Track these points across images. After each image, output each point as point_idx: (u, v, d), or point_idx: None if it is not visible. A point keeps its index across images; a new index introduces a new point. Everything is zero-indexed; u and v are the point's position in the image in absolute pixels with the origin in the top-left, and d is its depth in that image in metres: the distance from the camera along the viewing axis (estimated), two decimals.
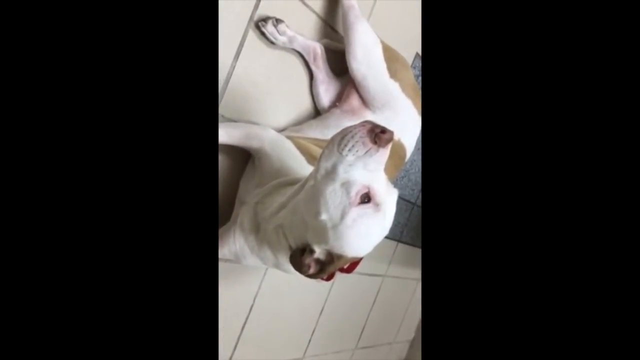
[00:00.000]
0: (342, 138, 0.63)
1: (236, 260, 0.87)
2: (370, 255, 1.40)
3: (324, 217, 0.64)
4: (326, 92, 1.05)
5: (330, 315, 1.48)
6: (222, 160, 0.93)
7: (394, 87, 0.98)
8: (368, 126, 0.62)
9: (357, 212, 0.63)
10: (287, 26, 0.94)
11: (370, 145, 0.61)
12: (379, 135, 0.61)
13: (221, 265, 0.91)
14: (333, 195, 0.63)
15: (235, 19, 0.89)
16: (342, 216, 0.63)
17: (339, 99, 1.05)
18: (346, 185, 0.63)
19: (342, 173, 0.63)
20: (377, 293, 1.74)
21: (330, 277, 1.33)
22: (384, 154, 0.62)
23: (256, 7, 0.92)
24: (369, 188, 0.62)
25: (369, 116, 1.00)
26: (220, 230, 0.89)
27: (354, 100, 1.01)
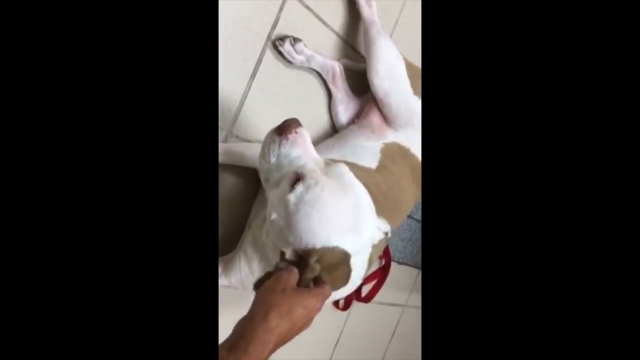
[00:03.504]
0: (262, 149, 0.69)
1: (243, 289, 0.82)
2: (389, 283, 1.35)
3: (273, 217, 0.64)
4: (345, 111, 1.02)
5: (345, 346, 1.41)
6: (235, 183, 0.90)
7: (417, 104, 0.94)
8: (272, 129, 0.68)
9: (293, 197, 0.61)
10: (305, 45, 0.93)
11: (277, 138, 0.66)
12: (279, 127, 0.66)
13: (231, 292, 0.87)
14: (275, 196, 0.65)
15: (252, 38, 0.88)
16: (285, 207, 0.62)
17: (357, 118, 1.02)
18: (280, 182, 0.64)
19: (275, 175, 0.67)
20: (397, 324, 1.66)
21: (347, 306, 1.27)
22: (296, 138, 0.66)
23: (274, 26, 0.91)
24: (295, 173, 0.62)
25: (390, 134, 0.96)
26: (227, 257, 0.85)
27: (374, 117, 0.97)
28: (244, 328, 0.52)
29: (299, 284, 0.58)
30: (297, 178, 0.62)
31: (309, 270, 0.59)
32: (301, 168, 0.64)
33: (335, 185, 0.63)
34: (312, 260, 0.60)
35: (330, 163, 0.68)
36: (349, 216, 0.62)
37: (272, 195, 0.67)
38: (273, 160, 0.67)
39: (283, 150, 0.66)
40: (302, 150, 0.66)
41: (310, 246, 0.61)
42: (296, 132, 0.66)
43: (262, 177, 0.71)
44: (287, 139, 0.66)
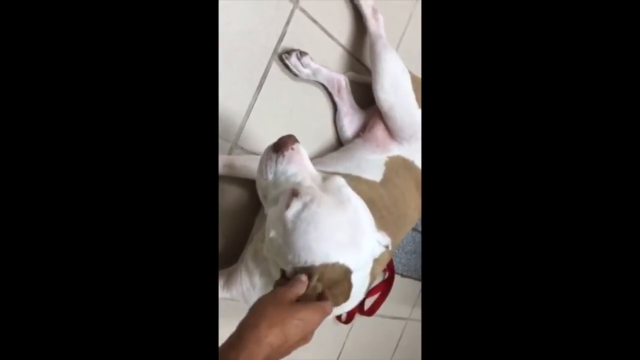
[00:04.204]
0: (260, 166, 0.69)
1: (245, 302, 0.81)
2: (392, 296, 1.34)
3: (272, 234, 0.64)
4: (350, 124, 1.03)
5: (348, 359, 1.40)
6: (239, 195, 0.91)
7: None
8: (269, 146, 0.68)
9: (291, 214, 0.61)
10: (311, 59, 0.93)
11: (274, 155, 0.66)
12: (276, 144, 0.67)
13: (233, 305, 0.86)
14: (273, 214, 0.65)
15: (259, 51, 0.89)
16: (283, 225, 0.61)
17: (362, 131, 1.02)
18: (278, 199, 0.65)
19: (273, 193, 0.67)
20: (400, 338, 1.64)
21: (349, 319, 1.26)
22: (293, 155, 0.66)
23: (281, 39, 0.91)
24: (292, 190, 0.62)
25: (395, 148, 0.96)
26: (230, 270, 0.84)
27: (378, 131, 0.97)
28: (234, 339, 0.51)
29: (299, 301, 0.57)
30: (294, 195, 0.61)
31: (311, 289, 0.59)
32: (298, 185, 0.64)
33: (332, 201, 0.63)
34: (314, 279, 0.59)
35: (327, 177, 0.68)
36: (347, 231, 0.62)
37: (270, 212, 0.67)
38: (270, 177, 0.67)
39: (280, 167, 0.66)
40: (298, 166, 0.66)
41: (309, 263, 0.60)
42: (292, 149, 0.66)
43: (260, 194, 0.71)
44: (284, 155, 0.66)
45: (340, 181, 0.67)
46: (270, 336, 0.51)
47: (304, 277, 0.59)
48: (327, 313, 0.58)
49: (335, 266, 0.61)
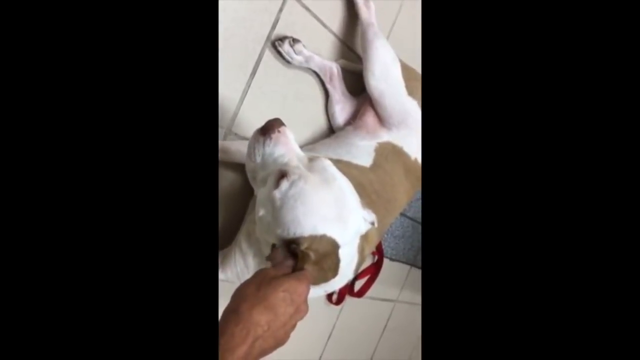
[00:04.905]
0: (248, 149, 0.72)
1: (240, 283, 0.84)
2: (381, 279, 1.38)
3: (261, 213, 0.67)
4: (342, 111, 1.05)
5: (338, 341, 1.44)
6: (233, 180, 0.93)
7: (411, 105, 0.96)
8: (257, 129, 0.71)
9: (278, 193, 0.64)
10: (304, 46, 0.95)
11: (261, 138, 0.69)
12: (263, 127, 0.69)
13: (228, 286, 0.89)
14: (262, 194, 0.68)
15: (252, 38, 0.90)
16: (272, 203, 0.65)
17: (354, 118, 1.05)
18: (266, 180, 0.67)
19: (261, 174, 0.70)
20: (388, 319, 1.69)
21: (339, 300, 1.30)
22: (279, 137, 0.69)
23: (274, 26, 0.93)
24: (280, 171, 0.65)
25: (385, 134, 0.98)
26: (224, 252, 0.87)
27: (369, 118, 1.00)
28: (220, 325, 0.50)
29: (296, 263, 0.59)
30: (282, 175, 0.64)
31: (302, 258, 0.61)
32: (285, 165, 0.67)
33: (318, 178, 0.65)
34: (303, 247, 0.61)
35: (313, 158, 0.71)
36: (333, 206, 0.65)
37: (259, 193, 0.69)
38: (258, 159, 0.70)
39: (267, 149, 0.69)
40: (285, 148, 0.69)
41: (297, 235, 0.63)
42: (279, 131, 0.69)
43: (249, 176, 0.74)
44: (271, 138, 0.69)
45: (326, 161, 0.69)
46: (255, 316, 0.51)
47: (289, 262, 0.61)
48: (309, 280, 0.59)
49: (322, 238, 0.64)
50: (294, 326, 0.56)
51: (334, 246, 0.65)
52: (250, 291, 0.53)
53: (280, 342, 0.54)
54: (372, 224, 0.73)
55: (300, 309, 0.56)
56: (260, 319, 0.51)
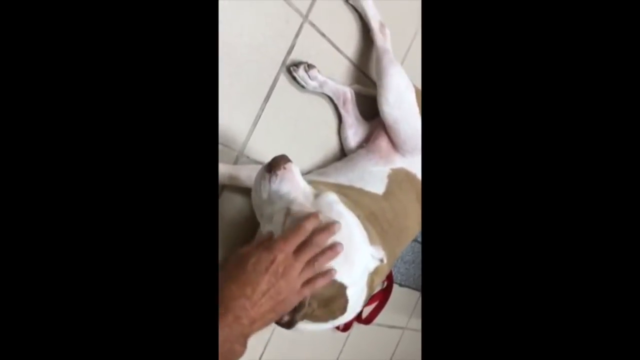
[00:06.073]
0: (254, 185, 0.72)
1: None
2: (389, 305, 1.35)
3: None
4: (355, 135, 1.04)
5: None
6: (242, 206, 0.92)
7: None
8: (263, 166, 0.71)
9: None
10: (318, 71, 0.95)
11: (267, 175, 0.68)
12: (269, 164, 0.69)
13: None
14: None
15: (268, 63, 0.91)
16: None
17: (366, 141, 1.04)
18: (273, 218, 0.67)
19: (268, 210, 0.69)
20: (396, 347, 1.65)
21: (346, 328, 1.28)
22: (285, 174, 0.69)
23: (289, 52, 0.93)
24: (287, 209, 0.65)
25: (398, 160, 0.97)
26: None
27: (382, 142, 0.99)
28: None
29: (291, 321, 0.60)
30: (287, 215, 0.64)
31: (305, 308, 0.60)
32: (291, 204, 0.66)
33: (330, 213, 0.64)
34: (307, 298, 0.61)
35: (319, 194, 0.70)
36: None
37: (265, 230, 0.69)
38: (265, 196, 0.69)
39: (273, 186, 0.68)
40: (291, 185, 0.69)
41: None
42: (285, 168, 0.69)
43: (257, 212, 0.74)
44: (277, 175, 0.68)
45: (332, 197, 0.69)
46: (227, 292, 0.54)
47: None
48: (285, 242, 0.59)
49: (329, 284, 0.63)
50: (288, 289, 0.57)
51: (341, 289, 0.65)
52: (225, 273, 0.56)
53: (278, 306, 0.56)
54: (381, 260, 0.71)
55: (281, 272, 0.58)
56: (233, 294, 0.54)
